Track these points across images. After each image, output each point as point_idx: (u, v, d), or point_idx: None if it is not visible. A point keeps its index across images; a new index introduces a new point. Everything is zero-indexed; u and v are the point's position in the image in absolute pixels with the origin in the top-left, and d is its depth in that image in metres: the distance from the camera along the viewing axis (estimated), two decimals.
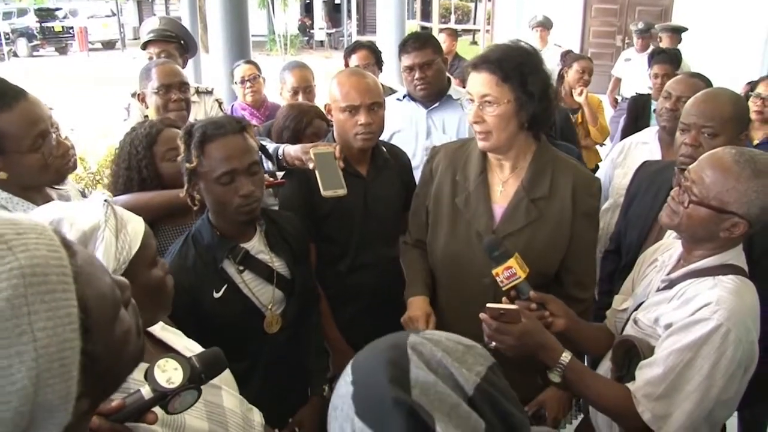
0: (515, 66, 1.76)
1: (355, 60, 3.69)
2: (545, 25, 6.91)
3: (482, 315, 1.57)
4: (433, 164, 2.05)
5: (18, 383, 0.62)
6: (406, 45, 2.91)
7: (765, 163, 1.51)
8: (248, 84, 3.95)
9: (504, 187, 1.91)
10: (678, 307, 1.56)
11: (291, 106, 2.87)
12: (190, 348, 1.36)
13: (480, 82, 1.78)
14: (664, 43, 5.86)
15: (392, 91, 3.63)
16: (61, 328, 0.66)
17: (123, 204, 1.78)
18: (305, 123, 2.70)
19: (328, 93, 2.24)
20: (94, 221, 1.16)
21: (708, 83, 2.66)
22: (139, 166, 2.11)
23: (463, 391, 0.76)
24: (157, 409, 1.01)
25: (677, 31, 6.19)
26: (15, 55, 22.12)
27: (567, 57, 5.00)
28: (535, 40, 6.65)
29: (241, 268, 1.82)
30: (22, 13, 23.46)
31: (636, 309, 1.73)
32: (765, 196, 1.49)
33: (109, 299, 0.76)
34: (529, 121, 1.81)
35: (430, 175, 2.04)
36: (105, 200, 1.20)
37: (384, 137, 2.77)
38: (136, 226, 1.23)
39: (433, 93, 2.94)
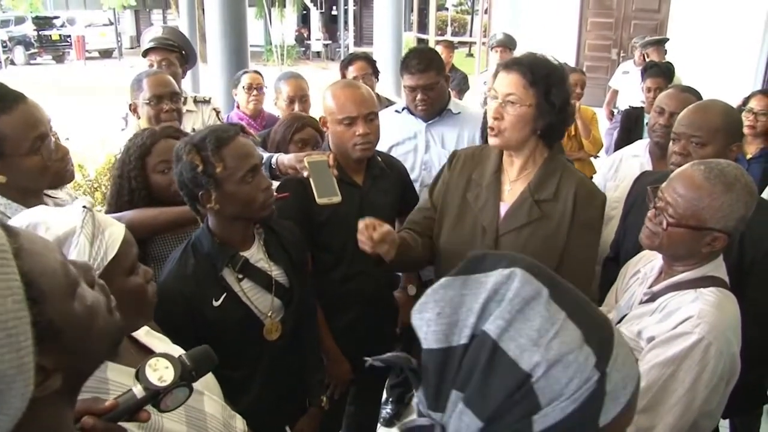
0: (544, 74, 1.84)
1: (352, 71, 3.71)
2: (507, 44, 6.20)
3: None
4: (452, 163, 2.12)
5: None
6: (409, 65, 2.86)
7: (733, 175, 1.54)
8: (254, 92, 3.95)
9: (512, 186, 1.97)
10: (660, 321, 1.58)
11: (290, 115, 2.89)
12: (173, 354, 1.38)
13: (508, 82, 1.86)
14: (652, 58, 5.89)
15: (390, 102, 3.66)
16: (1, 299, 0.68)
17: (129, 220, 1.80)
18: (295, 129, 2.72)
19: (323, 105, 2.26)
20: (69, 226, 1.18)
21: (699, 97, 2.69)
22: (129, 176, 2.11)
23: None
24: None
25: (661, 43, 6.24)
26: (12, 63, 22.13)
27: None
28: (495, 62, 5.68)
29: (241, 276, 1.83)
30: (19, 21, 23.44)
31: (619, 321, 1.75)
32: (739, 208, 1.53)
33: (60, 274, 0.77)
34: (543, 129, 1.88)
35: (449, 176, 2.10)
36: (84, 206, 1.21)
37: (382, 150, 2.79)
38: (114, 233, 1.24)
39: (434, 111, 2.96)
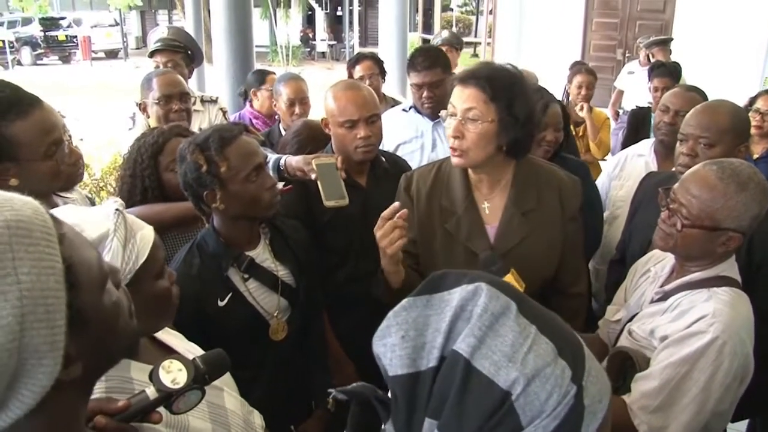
0: (504, 87, 1.74)
1: (359, 71, 3.74)
2: (452, 44, 5.50)
3: None
4: (411, 191, 1.98)
5: (3, 320, 0.67)
6: (416, 63, 2.89)
7: (746, 174, 1.54)
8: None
9: (490, 204, 1.89)
10: (673, 320, 1.58)
11: (306, 126, 2.79)
12: (191, 350, 1.38)
13: (466, 96, 1.75)
14: (658, 57, 5.89)
15: (395, 102, 3.66)
16: (45, 276, 0.71)
17: (135, 215, 1.81)
18: (308, 151, 2.62)
19: (324, 107, 2.25)
20: (103, 230, 1.16)
21: (704, 97, 2.69)
22: (142, 175, 2.13)
23: None
24: (161, 410, 1.03)
25: (666, 43, 6.23)
26: (19, 63, 22.21)
27: (571, 69, 4.99)
28: None
29: (246, 276, 1.83)
30: (26, 22, 23.55)
31: (630, 320, 1.74)
32: (753, 207, 1.52)
33: (95, 267, 0.81)
34: (509, 144, 1.78)
35: (411, 204, 1.95)
36: (117, 209, 1.20)
37: (389, 148, 2.79)
38: (145, 236, 1.23)
39: (441, 109, 2.96)
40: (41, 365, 0.71)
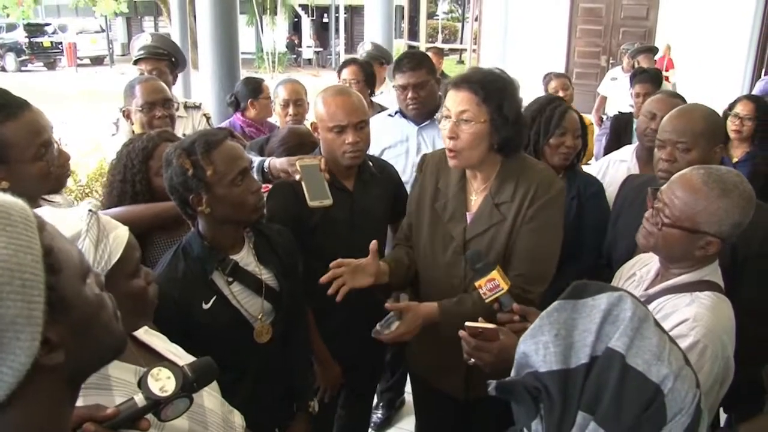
0: (495, 89, 1.87)
1: (344, 74, 3.81)
2: (378, 58, 4.79)
3: (461, 333, 1.60)
4: (422, 169, 2.16)
5: None
6: (401, 64, 2.95)
7: (732, 182, 1.56)
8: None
9: (476, 196, 2.02)
10: None
11: (292, 133, 2.77)
12: (174, 352, 1.39)
13: (460, 99, 1.88)
14: (643, 64, 5.98)
15: (382, 108, 3.69)
16: (21, 253, 0.72)
17: (116, 216, 1.82)
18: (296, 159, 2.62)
19: (314, 111, 2.28)
20: (75, 230, 1.19)
21: (684, 102, 2.72)
22: (133, 180, 2.14)
23: None
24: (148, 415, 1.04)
25: (651, 51, 6.38)
26: (3, 69, 22.08)
27: (543, 81, 5.02)
28: None
29: (230, 279, 1.84)
30: (11, 28, 23.38)
31: None
32: (735, 214, 1.54)
33: (76, 258, 0.82)
34: (500, 143, 1.90)
35: (421, 182, 2.14)
36: (90, 210, 1.23)
37: (375, 153, 2.80)
38: (119, 236, 1.26)
39: (425, 112, 2.99)
40: (18, 339, 0.71)
